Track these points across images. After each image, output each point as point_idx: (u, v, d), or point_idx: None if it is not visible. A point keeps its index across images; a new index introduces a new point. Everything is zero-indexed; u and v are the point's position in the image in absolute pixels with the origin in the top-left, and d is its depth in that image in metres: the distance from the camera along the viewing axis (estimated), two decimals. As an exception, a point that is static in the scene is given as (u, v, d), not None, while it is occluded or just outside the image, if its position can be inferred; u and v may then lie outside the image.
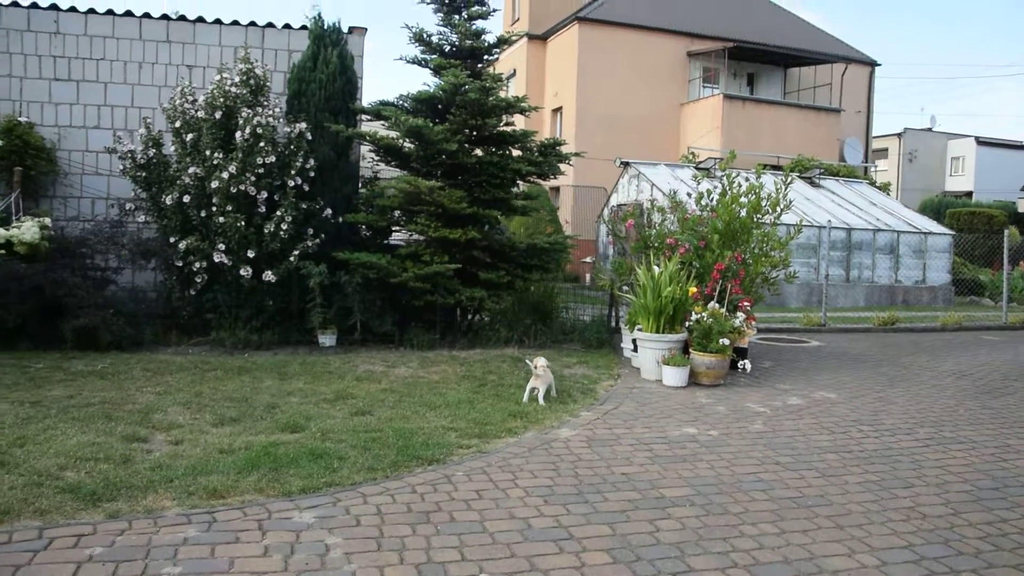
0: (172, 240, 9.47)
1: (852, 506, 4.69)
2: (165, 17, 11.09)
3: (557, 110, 29.31)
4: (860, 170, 27.99)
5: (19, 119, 10.44)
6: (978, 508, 4.74)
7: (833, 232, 17.46)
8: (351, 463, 5.16)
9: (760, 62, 29.81)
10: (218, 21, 11.23)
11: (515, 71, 31.68)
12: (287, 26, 11.39)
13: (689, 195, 10.36)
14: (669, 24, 28.25)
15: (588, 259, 19.44)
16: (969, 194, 43.23)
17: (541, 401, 7.04)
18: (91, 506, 4.31)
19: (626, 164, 21.03)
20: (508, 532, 4.12)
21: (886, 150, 45.85)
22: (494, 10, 10.66)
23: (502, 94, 10.42)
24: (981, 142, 45.92)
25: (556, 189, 27.42)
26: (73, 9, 10.92)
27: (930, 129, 47.51)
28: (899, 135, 46.13)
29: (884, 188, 25.97)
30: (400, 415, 6.49)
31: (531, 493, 4.72)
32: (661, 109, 27.99)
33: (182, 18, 11.13)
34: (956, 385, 8.87)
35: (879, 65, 31.55)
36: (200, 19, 11.19)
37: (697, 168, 19.27)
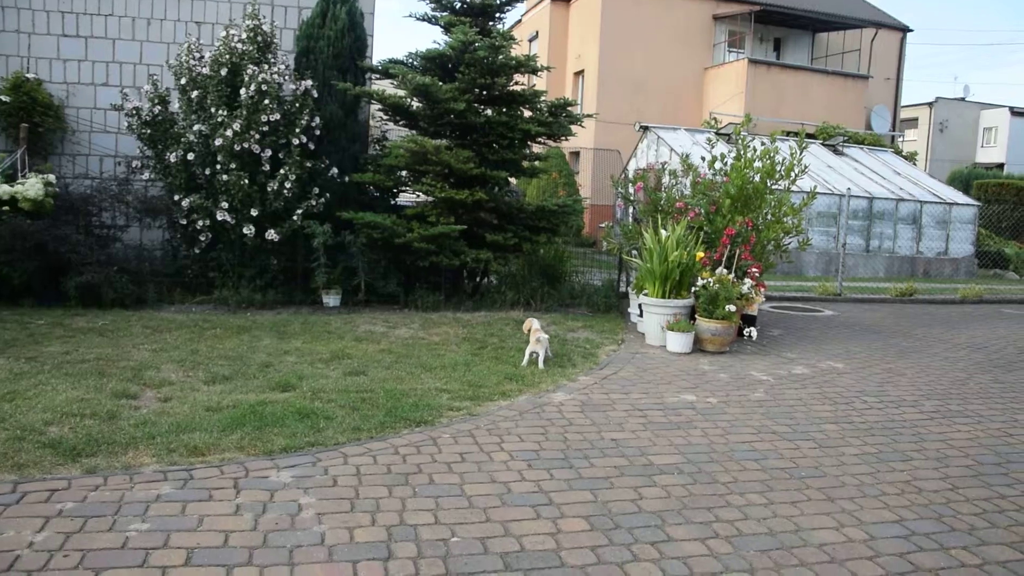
0: (176, 198, 9.40)
1: (846, 478, 4.56)
2: (174, -29, 10.92)
3: (579, 73, 28.85)
4: (887, 139, 27.40)
5: (27, 76, 10.36)
6: (977, 484, 4.58)
7: (853, 201, 17.10)
8: (337, 423, 5.09)
9: (787, 26, 29.09)
10: (227, -24, 11.05)
11: (537, 33, 31.21)
12: (297, -19, 11.19)
13: (703, 159, 10.11)
14: (695, -14, 27.62)
15: (604, 224, 19.21)
16: (1001, 166, 42.27)
17: (541, 365, 6.94)
18: (70, 461, 4.28)
19: (645, 128, 20.70)
20: (486, 496, 4.03)
21: (916, 120, 44.87)
22: (507, -34, 10.37)
23: (514, 52, 10.17)
24: (1015, 112, 44.75)
25: (576, 153, 27.11)
26: (82, -37, 10.78)
27: (963, 99, 46.39)
28: (930, 104, 45.07)
29: (910, 158, 25.42)
30: (394, 376, 6.42)
31: (516, 457, 4.63)
32: (685, 73, 27.45)
33: (191, -27, 10.96)
34: (969, 358, 8.65)
35: (911, 31, 30.71)
36: (209, -26, 11.01)
37: (718, 133, 18.90)
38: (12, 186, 8.88)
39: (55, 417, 4.95)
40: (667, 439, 5.12)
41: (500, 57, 9.75)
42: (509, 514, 3.83)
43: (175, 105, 9.75)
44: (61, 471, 4.15)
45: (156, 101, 9.55)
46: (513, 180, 13.10)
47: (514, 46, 10.23)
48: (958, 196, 20.01)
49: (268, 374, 6.29)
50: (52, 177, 9.19)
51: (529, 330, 7.20)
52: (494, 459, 4.59)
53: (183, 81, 9.47)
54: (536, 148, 11.95)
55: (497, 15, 10.61)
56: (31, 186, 8.85)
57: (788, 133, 18.85)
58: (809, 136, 23.27)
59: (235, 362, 6.64)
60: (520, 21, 33.82)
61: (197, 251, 9.63)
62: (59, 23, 10.75)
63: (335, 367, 6.65)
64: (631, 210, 10.85)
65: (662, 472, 4.50)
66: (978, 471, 4.81)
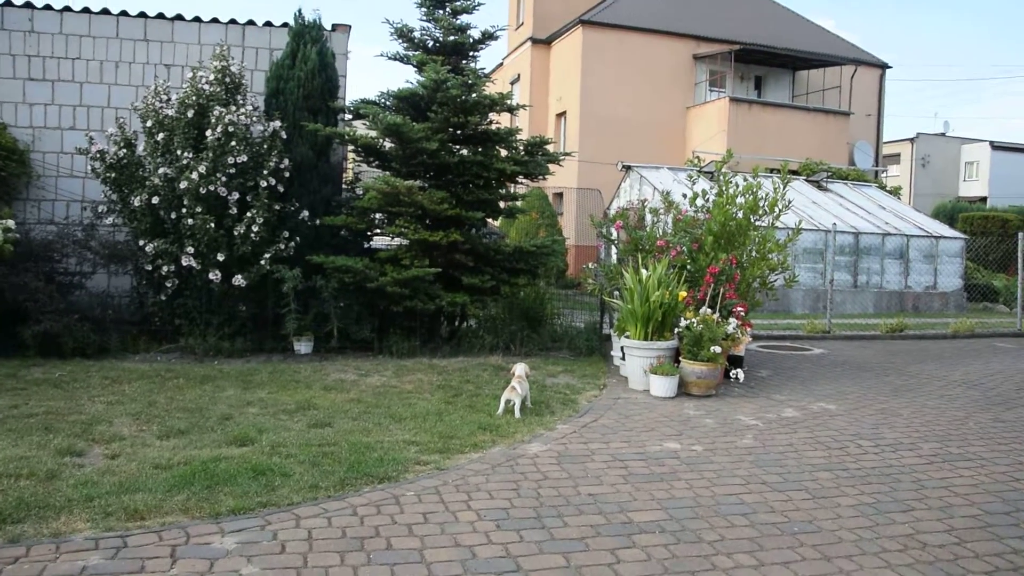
0: (141, 243, 9.07)
1: (843, 533, 4.20)
2: (143, 15, 10.72)
3: (561, 114, 28.88)
4: (870, 174, 27.41)
5: (-10, 120, 10.09)
6: (985, 536, 4.23)
7: (839, 236, 16.91)
8: (294, 481, 4.72)
9: (768, 65, 29.27)
10: (197, 19, 10.85)
11: (519, 76, 31.29)
12: (268, 23, 11.00)
13: (684, 196, 9.88)
14: (675, 27, 27.77)
15: (589, 265, 18.96)
16: (984, 199, 42.53)
17: (517, 414, 6.58)
18: (-7, 529, 3.89)
19: (628, 168, 20.57)
20: (447, 563, 3.66)
21: (898, 155, 45.20)
22: (479, 3, 10.20)
23: (488, 91, 9.97)
24: (996, 147, 45.17)
25: (560, 194, 26.98)
26: (48, 7, 10.56)
27: (943, 134, 46.83)
28: (911, 140, 45.46)
29: (894, 192, 25.37)
30: (361, 428, 6.05)
31: (484, 517, 4.26)
32: (667, 113, 27.50)
33: (160, 16, 10.76)
34: (966, 396, 8.33)
35: (890, 68, 30.94)
36: (179, 16, 10.81)
37: (700, 171, 18.77)
38: (-32, 233, 8.54)
39: (-12, 478, 4.56)
40: (648, 493, 4.76)
41: (473, 95, 9.54)
42: (472, 584, 3.46)
43: (142, 149, 9.47)
44: (-19, 541, 3.77)
45: (122, 144, 9.27)
46: (495, 221, 12.85)
47: (488, 84, 10.04)
48: (944, 229, 19.88)
49: (227, 427, 5.91)
50: (11, 223, 8.84)
51: (513, 375, 6.86)
52: (460, 519, 4.21)
53: (149, 123, 9.21)
54: (520, 188, 11.71)
55: (471, 53, 10.43)
56: (-12, 233, 8.51)
57: (771, 170, 18.70)
58: (793, 172, 23.27)
59: (193, 415, 6.26)
60: (502, 64, 33.96)
61: (163, 298, 9.29)
62: (25, 67, 10.51)
63: (299, 418, 6.28)
64: (613, 250, 10.57)
65: (642, 531, 4.13)
66: (986, 521, 4.46)
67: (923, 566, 3.79)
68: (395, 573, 3.54)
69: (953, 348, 12.43)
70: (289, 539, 3.88)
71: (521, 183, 11.02)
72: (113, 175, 9.23)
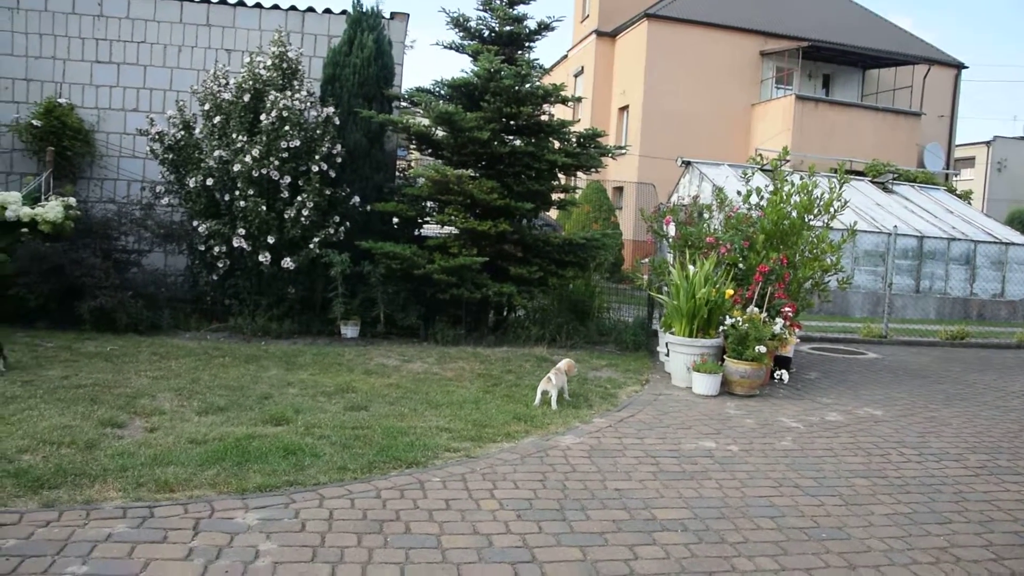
0: (195, 224, 9.28)
1: (873, 542, 4.07)
2: (205, 1, 10.94)
3: (624, 108, 28.61)
4: (940, 177, 26.54)
5: (59, 101, 10.41)
6: (1024, 553, 4.06)
7: (902, 239, 16.42)
8: (324, 461, 4.77)
9: (837, 63, 28.53)
10: (258, 5, 11.03)
11: (583, 68, 31.11)
12: (327, 11, 11.13)
13: (738, 193, 9.69)
14: (742, 22, 27.25)
15: (646, 260, 18.77)
16: (1063, 207, 40.77)
17: (554, 405, 6.55)
18: (30, 493, 4.03)
19: (688, 163, 20.30)
20: (463, 550, 3.65)
21: (973, 158, 43.58)
22: (536, -7, 10.17)
23: (543, 81, 9.91)
24: (1078, 152, 43.24)
25: (620, 188, 26.77)
26: (117, -8, 10.86)
27: (1022, 137, 45.04)
28: (988, 143, 43.78)
29: (965, 196, 24.52)
30: (396, 412, 6.09)
31: (505, 506, 4.24)
32: (731, 109, 27.02)
33: (222, 2, 10.97)
34: (1023, 408, 8.01)
35: (966, 68, 29.87)
36: (240, 3, 11.00)
37: (762, 169, 18.42)
38: (33, 208, 8.85)
39: (32, 444, 4.72)
40: (676, 491, 4.68)
41: (527, 86, 9.49)
42: (484, 572, 3.45)
43: (199, 131, 9.67)
44: (17, 504, 3.90)
45: (180, 127, 9.49)
46: (553, 213, 12.79)
47: (546, 77, 9.97)
48: (1015, 236, 19.13)
49: (265, 406, 6.01)
50: (72, 200, 9.14)
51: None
52: (482, 507, 4.21)
53: (207, 107, 9.41)
54: (580, 181, 11.64)
55: (526, 44, 10.37)
56: (51, 209, 8.81)
57: (833, 170, 18.26)
58: (858, 173, 22.67)
59: (234, 392, 6.38)
60: (566, 56, 33.80)
61: (215, 278, 9.49)
62: (93, 50, 10.81)
63: (337, 401, 6.35)
64: (664, 245, 10.43)
65: (665, 528, 4.07)
66: (1026, 538, 4.28)
67: (954, 580, 3.66)
68: (409, 557, 3.55)
69: (1017, 358, 11.97)
70: (310, 518, 3.92)
71: (577, 176, 10.94)
72: (171, 156, 9.46)
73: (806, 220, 8.99)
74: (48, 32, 10.69)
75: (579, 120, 10.59)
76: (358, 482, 4.49)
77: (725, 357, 7.76)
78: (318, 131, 9.36)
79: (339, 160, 9.62)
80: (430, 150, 10.40)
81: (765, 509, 4.46)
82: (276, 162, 8.97)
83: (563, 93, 9.92)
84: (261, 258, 9.04)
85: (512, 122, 9.87)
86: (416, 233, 10.56)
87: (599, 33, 29.52)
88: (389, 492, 4.34)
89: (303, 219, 9.06)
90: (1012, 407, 8.01)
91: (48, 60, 10.72)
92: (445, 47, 10.41)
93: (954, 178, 30.58)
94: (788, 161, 9.83)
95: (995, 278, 18.08)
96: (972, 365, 10.89)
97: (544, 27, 10.24)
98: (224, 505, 4.03)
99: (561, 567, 3.54)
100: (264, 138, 8.94)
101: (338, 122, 9.63)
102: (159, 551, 3.48)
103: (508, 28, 10.06)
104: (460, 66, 14.84)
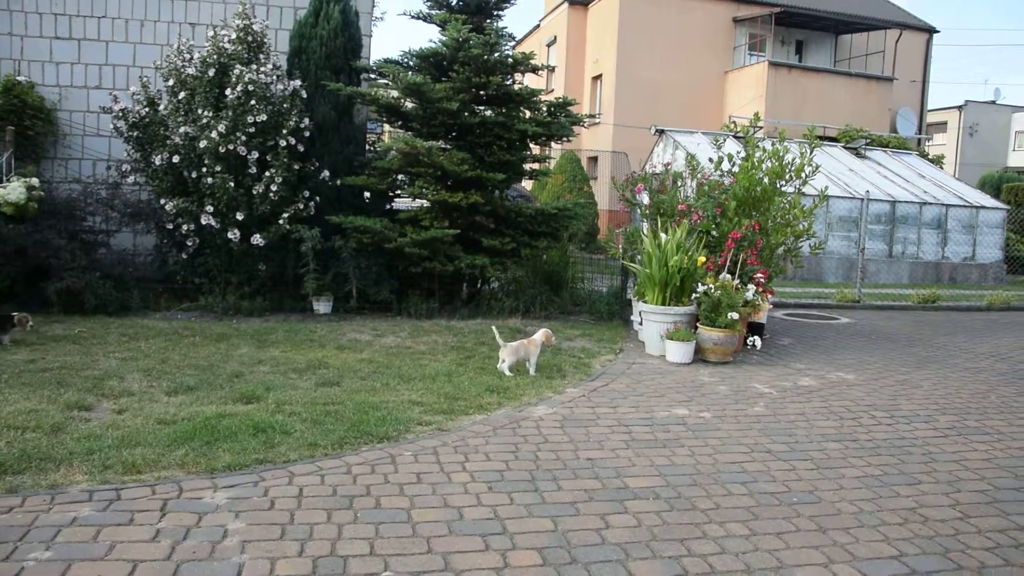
0: (163, 202, 9.12)
1: (843, 504, 4.10)
2: (168, -29, 10.70)
3: (597, 78, 28.45)
4: (913, 142, 26.69)
5: (18, 78, 10.18)
6: (991, 512, 4.10)
7: (875, 205, 16.50)
8: (294, 438, 4.73)
9: (809, 28, 28.49)
10: (222, -24, 10.81)
11: (555, 38, 30.85)
12: (293, -19, 10.92)
13: (710, 160, 9.67)
14: (714, -11, 27.13)
15: (620, 229, 18.76)
16: (1033, 170, 41.19)
17: (532, 372, 6.61)
18: (-6, 479, 3.95)
19: (661, 132, 20.25)
20: (434, 524, 3.63)
21: (945, 123, 43.92)
22: (503, -39, 10.01)
23: (512, 51, 9.80)
24: (1048, 115, 43.68)
25: (594, 158, 26.70)
26: (74, -36, 10.59)
27: (993, 102, 45.37)
28: (959, 108, 44.11)
29: (937, 161, 24.69)
30: (368, 387, 6.05)
31: (477, 478, 4.23)
32: (704, 77, 26.93)
33: (185, -27, 10.73)
34: (992, 369, 8.10)
35: (937, 32, 29.96)
36: (204, -26, 10.77)
37: (735, 136, 18.40)
38: (-6, 190, 8.66)
39: (-4, 430, 4.64)
40: (649, 459, 4.69)
41: (495, 55, 9.38)
42: (454, 544, 3.43)
43: (164, 107, 9.48)
44: (-20, 490, 3.83)
45: (144, 103, 9.30)
46: (527, 184, 12.71)
47: (515, 45, 9.85)
48: (985, 199, 19.31)
49: (235, 385, 5.94)
50: (35, 181, 8.94)
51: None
52: (453, 480, 4.19)
53: (171, 82, 9.21)
54: (554, 152, 11.56)
55: (494, 12, 10.24)
56: (13, 190, 8.61)
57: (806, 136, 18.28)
58: (831, 139, 22.72)
59: (204, 372, 6.31)
60: (538, 26, 33.50)
61: (184, 256, 9.36)
62: (52, 25, 10.56)
63: (309, 377, 6.29)
64: (637, 213, 10.40)
65: (636, 497, 4.07)
66: (993, 496, 4.32)
67: (921, 540, 3.68)
68: (379, 532, 3.52)
69: (986, 320, 12.11)
70: (280, 496, 3.89)
71: (551, 146, 10.86)
72: (136, 134, 9.28)
73: (778, 186, 9.00)
74: (3, 7, 10.42)
75: (552, 90, 10.52)
76: (329, 458, 4.46)
77: (698, 324, 7.78)
78: (285, 105, 9.20)
79: (307, 134, 9.48)
80: (400, 122, 10.28)
81: (737, 475, 4.48)
82: (243, 137, 8.82)
83: (533, 62, 9.82)
84: (230, 235, 8.92)
85: (482, 92, 9.76)
86: (388, 207, 10.46)
87: (571, 2, 29.28)
88: (360, 467, 4.31)
89: (272, 195, 8.94)
90: (981, 368, 8.11)
91: (5, 36, 10.47)
92: (413, 16, 10.26)
93: (926, 143, 30.78)
94: (761, 127, 9.81)
95: (966, 242, 18.26)
96: (943, 328, 11.01)
97: (512, -6, 10.11)
98: (192, 485, 3.98)
99: (531, 538, 3.53)
100: (230, 113, 8.78)
101: (305, 95, 9.47)
102: (125, 533, 3.43)
103: (476, -4, 9.92)
104: (428, 37, 14.66)
